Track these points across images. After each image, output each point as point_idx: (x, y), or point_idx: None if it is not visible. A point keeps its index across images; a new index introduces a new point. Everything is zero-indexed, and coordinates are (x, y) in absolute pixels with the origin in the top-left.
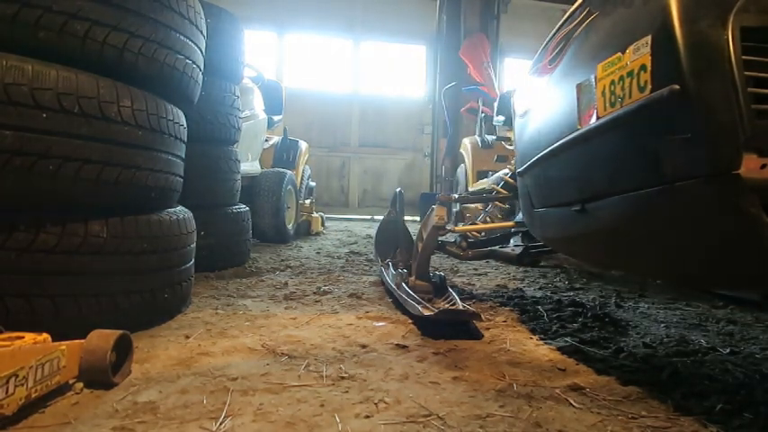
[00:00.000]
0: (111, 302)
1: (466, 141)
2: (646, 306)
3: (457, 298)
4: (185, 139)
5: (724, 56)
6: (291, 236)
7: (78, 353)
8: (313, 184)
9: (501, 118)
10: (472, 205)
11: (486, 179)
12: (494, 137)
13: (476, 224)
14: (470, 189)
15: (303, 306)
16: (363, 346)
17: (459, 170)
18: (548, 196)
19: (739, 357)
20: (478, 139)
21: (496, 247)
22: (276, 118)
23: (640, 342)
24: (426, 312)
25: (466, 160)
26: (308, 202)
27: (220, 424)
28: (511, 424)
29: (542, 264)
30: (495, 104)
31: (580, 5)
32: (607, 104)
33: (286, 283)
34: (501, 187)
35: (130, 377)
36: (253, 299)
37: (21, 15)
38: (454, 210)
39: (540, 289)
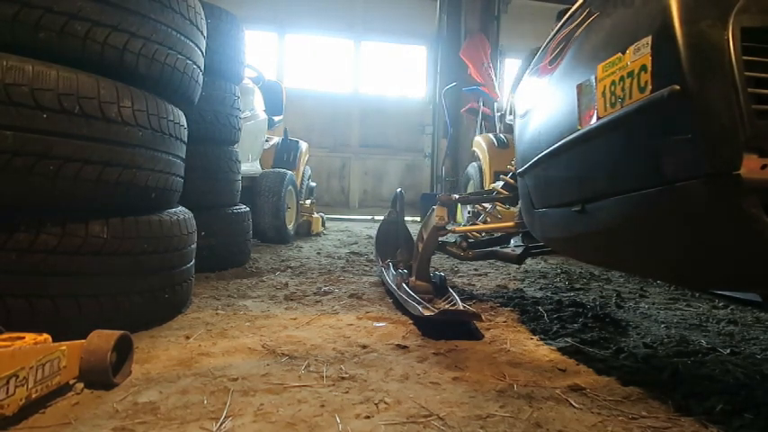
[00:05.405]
0: (111, 303)
1: (480, 140)
2: (646, 306)
3: (457, 298)
4: (186, 140)
5: (724, 56)
6: (292, 236)
7: (79, 353)
8: (313, 184)
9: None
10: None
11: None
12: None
13: (476, 224)
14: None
15: (303, 306)
16: (364, 347)
17: (469, 168)
18: (548, 196)
19: (740, 358)
20: (494, 137)
21: (497, 248)
22: (276, 118)
23: (641, 342)
24: (427, 313)
25: (482, 159)
26: (308, 202)
27: (221, 424)
28: (511, 424)
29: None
30: (502, 104)
31: (580, 6)
32: (607, 105)
33: (286, 284)
34: (501, 187)
35: (131, 377)
36: (253, 299)
37: (21, 16)
38: (467, 212)
39: (540, 289)
